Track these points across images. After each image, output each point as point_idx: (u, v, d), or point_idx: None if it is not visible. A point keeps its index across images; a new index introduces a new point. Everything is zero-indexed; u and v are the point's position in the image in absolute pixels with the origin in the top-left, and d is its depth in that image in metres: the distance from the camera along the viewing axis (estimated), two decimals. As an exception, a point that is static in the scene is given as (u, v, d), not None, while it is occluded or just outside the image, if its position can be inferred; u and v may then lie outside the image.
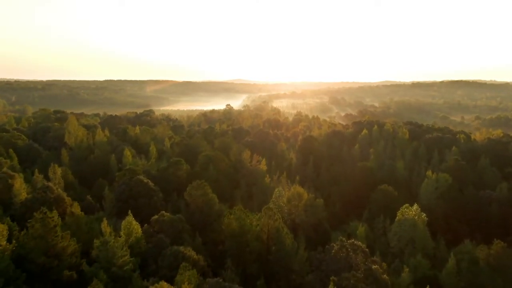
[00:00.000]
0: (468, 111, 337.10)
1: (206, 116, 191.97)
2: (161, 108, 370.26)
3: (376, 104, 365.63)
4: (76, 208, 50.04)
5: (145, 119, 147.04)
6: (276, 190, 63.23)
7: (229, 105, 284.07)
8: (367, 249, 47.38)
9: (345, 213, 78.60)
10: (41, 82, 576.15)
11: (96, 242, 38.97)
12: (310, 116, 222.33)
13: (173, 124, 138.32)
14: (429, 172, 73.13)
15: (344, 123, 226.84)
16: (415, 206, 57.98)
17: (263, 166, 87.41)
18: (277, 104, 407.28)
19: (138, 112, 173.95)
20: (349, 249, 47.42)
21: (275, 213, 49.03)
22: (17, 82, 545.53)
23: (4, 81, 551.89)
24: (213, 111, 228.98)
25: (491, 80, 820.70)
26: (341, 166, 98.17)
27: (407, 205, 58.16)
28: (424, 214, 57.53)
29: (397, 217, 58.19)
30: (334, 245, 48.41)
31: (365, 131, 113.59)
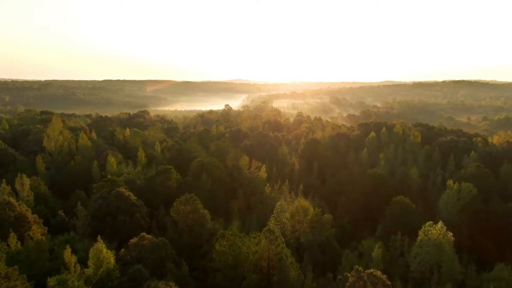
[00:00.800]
0: (473, 111, 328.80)
1: (203, 117, 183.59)
2: (159, 109, 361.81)
3: (379, 105, 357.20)
4: (37, 230, 41.71)
5: (138, 121, 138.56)
6: (278, 204, 55.00)
7: (227, 105, 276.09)
8: (389, 282, 39.06)
9: (355, 227, 70.36)
10: (38, 82, 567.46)
11: (51, 281, 30.69)
12: (312, 117, 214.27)
13: (167, 126, 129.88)
14: (450, 182, 64.86)
15: (347, 125, 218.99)
16: (440, 224, 49.69)
17: (263, 173, 79.12)
18: (277, 104, 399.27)
19: (132, 113, 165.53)
20: (367, 282, 39.20)
21: (277, 236, 40.76)
22: (13, 82, 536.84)
23: (1, 81, 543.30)
24: (211, 111, 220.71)
25: (492, 80, 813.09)
26: (348, 173, 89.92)
27: (430, 222, 49.86)
28: (451, 234, 49.27)
29: (419, 237, 49.93)
30: (349, 275, 40.18)
31: (373, 133, 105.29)
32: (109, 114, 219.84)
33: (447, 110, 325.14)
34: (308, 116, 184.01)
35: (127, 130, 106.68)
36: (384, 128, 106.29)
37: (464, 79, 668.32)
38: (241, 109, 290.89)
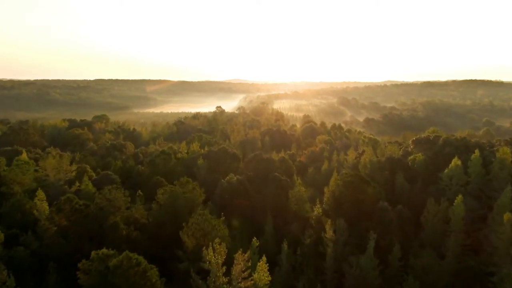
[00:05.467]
0: (506, 114, 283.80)
1: (183, 124, 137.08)
2: (141, 111, 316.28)
3: (396, 106, 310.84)
4: None
5: (74, 133, 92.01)
6: None
7: (219, 107, 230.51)
8: None
9: None
10: (14, 81, 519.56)
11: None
12: (320, 121, 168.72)
13: (113, 142, 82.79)
14: None
15: (367, 131, 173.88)
16: None
17: (262, 275, 33.08)
18: (278, 105, 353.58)
19: (79, 120, 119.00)
20: None
21: None
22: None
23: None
24: (196, 115, 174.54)
25: (497, 80, 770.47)
26: (441, 256, 44.06)
27: None
28: None
29: None
30: None
31: (456, 161, 59.16)
32: (83, 117, 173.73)
33: (475, 112, 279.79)
34: (323, 123, 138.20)
35: (24, 155, 60.79)
36: (477, 152, 60.02)
37: (467, 78, 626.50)
38: (236, 111, 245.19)
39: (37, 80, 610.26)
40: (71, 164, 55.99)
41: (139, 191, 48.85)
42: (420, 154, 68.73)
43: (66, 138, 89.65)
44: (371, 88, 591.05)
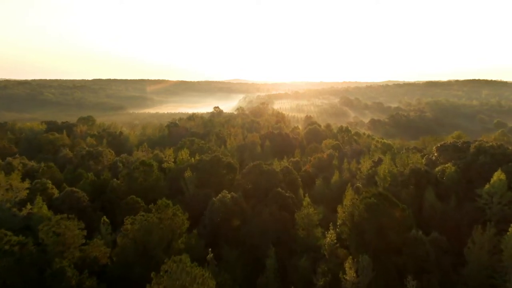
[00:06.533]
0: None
1: (176, 127, 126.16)
2: (137, 111, 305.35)
3: (401, 106, 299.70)
4: None
5: (49, 138, 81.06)
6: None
7: (217, 107, 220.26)
8: None
9: None
10: (8, 80, 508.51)
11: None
12: (322, 121, 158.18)
13: (89, 149, 71.69)
14: None
15: (374, 134, 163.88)
16: None
17: None
18: (278, 105, 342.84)
19: (61, 122, 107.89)
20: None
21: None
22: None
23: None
24: (192, 116, 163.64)
25: (499, 79, 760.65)
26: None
27: None
28: None
29: None
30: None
31: (500, 175, 48.41)
32: (74, 118, 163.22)
33: (484, 113, 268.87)
34: (328, 125, 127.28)
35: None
36: (524, 164, 49.27)
37: (468, 78, 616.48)
38: (235, 112, 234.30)
39: (33, 80, 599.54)
40: (24, 179, 45.15)
41: (104, 217, 37.99)
42: (449, 164, 57.92)
43: (39, 144, 79.05)
44: (373, 88, 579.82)
